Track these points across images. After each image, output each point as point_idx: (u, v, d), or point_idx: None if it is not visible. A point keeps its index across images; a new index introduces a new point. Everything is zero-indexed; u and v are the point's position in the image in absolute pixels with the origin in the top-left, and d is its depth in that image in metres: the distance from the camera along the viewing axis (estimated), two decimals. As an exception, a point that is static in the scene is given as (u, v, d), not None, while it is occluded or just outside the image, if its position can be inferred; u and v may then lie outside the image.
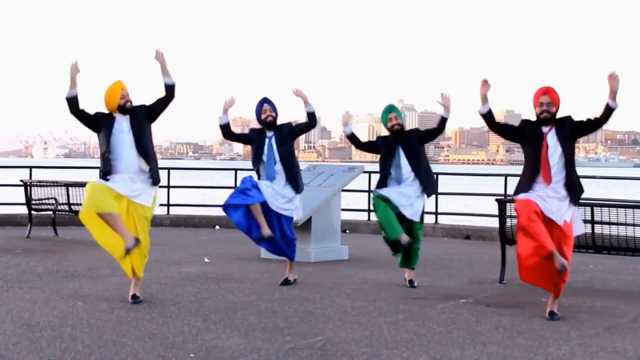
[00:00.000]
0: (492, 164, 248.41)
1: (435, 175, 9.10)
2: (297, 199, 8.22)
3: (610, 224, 8.13)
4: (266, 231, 7.91)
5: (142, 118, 7.16)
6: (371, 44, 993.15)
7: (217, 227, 14.75)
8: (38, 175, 15.36)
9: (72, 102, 7.11)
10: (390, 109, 8.33)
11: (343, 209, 11.37)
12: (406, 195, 8.05)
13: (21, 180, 13.19)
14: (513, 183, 8.08)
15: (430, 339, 5.85)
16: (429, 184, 8.20)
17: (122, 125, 7.09)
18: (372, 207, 8.42)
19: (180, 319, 6.42)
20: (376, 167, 8.78)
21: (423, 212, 8.21)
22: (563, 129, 6.79)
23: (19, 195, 13.58)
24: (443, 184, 8.94)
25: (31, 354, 5.25)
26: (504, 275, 8.62)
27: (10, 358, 5.17)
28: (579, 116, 6.87)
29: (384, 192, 8.03)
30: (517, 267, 6.72)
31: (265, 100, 8.32)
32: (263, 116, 8.24)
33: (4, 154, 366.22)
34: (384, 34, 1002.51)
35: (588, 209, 8.16)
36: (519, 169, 7.35)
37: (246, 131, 8.74)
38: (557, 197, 6.70)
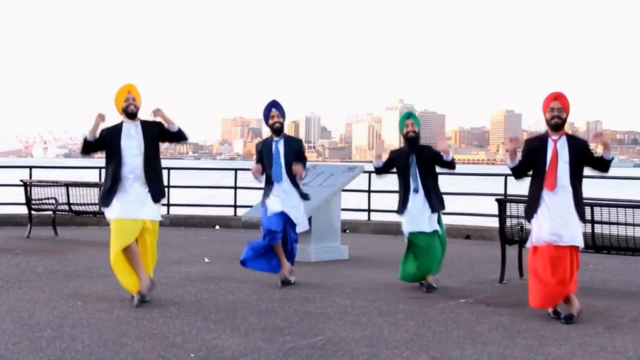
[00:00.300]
0: (492, 163, 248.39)
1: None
2: (301, 207, 8.35)
3: (610, 223, 8.13)
4: (284, 276, 8.12)
5: (154, 131, 7.31)
6: (371, 44, 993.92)
7: (217, 227, 14.74)
8: (38, 175, 15.37)
9: (88, 145, 7.31)
10: (409, 115, 8.29)
11: (343, 209, 11.37)
12: (423, 218, 8.00)
13: (21, 180, 13.19)
14: (513, 183, 8.07)
15: (430, 339, 5.85)
16: (437, 200, 8.11)
17: (131, 132, 7.23)
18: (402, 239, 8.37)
19: (180, 318, 6.42)
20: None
21: (439, 223, 8.15)
22: (575, 143, 6.78)
23: (19, 195, 13.58)
24: (443, 184, 8.89)
25: (31, 354, 5.25)
26: (504, 275, 8.63)
27: (10, 358, 5.17)
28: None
29: (409, 226, 7.98)
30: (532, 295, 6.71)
31: (273, 105, 8.37)
32: (271, 122, 8.33)
33: (4, 153, 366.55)
34: (384, 34, 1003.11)
35: (588, 209, 8.15)
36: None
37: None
38: (565, 209, 6.64)
